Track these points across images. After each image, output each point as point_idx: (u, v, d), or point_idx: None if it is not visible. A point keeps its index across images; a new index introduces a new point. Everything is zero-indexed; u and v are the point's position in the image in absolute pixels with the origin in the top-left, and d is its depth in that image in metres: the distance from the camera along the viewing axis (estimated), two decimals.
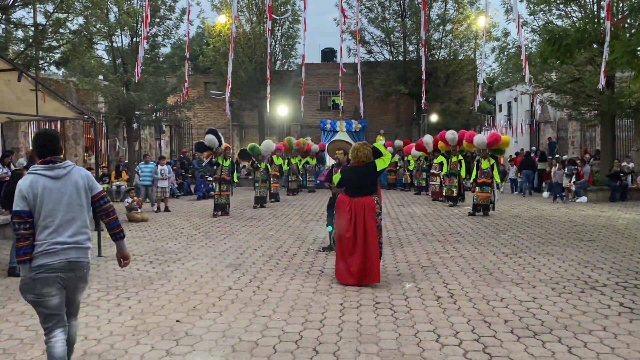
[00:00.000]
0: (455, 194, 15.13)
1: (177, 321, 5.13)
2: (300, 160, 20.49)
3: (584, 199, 16.30)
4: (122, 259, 3.85)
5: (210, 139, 13.16)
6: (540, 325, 4.96)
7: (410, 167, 20.67)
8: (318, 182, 22.09)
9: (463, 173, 15.00)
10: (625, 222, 11.87)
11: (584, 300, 5.75)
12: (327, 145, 12.21)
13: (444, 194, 15.65)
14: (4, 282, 6.74)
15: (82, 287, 3.67)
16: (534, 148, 24.68)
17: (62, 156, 3.69)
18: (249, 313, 5.37)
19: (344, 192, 6.74)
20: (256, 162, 15.58)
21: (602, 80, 11.93)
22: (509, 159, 20.86)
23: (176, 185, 18.92)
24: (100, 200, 3.69)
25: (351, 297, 5.92)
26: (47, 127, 18.27)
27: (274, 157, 17.06)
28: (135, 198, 12.79)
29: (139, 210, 12.72)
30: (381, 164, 6.65)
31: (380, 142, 21.95)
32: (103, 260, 8.00)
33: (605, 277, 6.72)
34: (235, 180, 14.53)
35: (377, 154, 6.71)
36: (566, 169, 17.04)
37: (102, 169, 15.30)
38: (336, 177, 6.88)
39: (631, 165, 17.74)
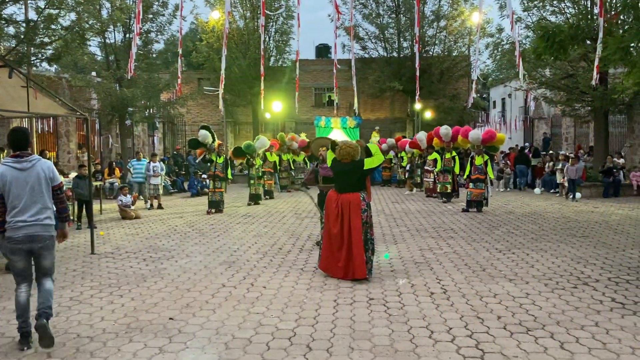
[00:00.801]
0: (449, 191, 15.17)
1: (170, 318, 5.12)
2: (291, 157, 20.46)
3: (578, 195, 16.36)
4: (62, 236, 4.74)
5: (204, 134, 13.12)
6: (533, 321, 4.98)
7: (404, 164, 20.70)
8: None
9: (457, 169, 15.05)
10: (618, 217, 11.94)
11: (576, 295, 5.77)
12: (310, 142, 12.14)
13: (438, 190, 15.68)
14: None
15: (46, 255, 4.49)
16: (527, 144, 24.77)
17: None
18: (243, 310, 5.36)
19: (334, 188, 6.79)
20: (251, 159, 15.55)
21: (596, 77, 11.97)
22: (502, 155, 20.90)
23: (169, 182, 18.85)
24: (57, 190, 4.57)
25: (345, 293, 5.93)
26: (39, 123, 18.16)
27: (267, 154, 17.01)
28: (128, 196, 12.74)
29: (132, 207, 12.68)
30: (369, 163, 6.68)
31: (374, 139, 22.03)
32: (96, 258, 7.97)
33: (597, 273, 6.76)
34: (230, 177, 14.49)
35: (368, 153, 6.78)
36: (560, 165, 17.09)
37: (95, 165, 15.22)
38: (329, 160, 6.98)
39: (621, 161, 17.82)
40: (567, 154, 19.10)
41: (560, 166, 17.13)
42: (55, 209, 4.62)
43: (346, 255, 6.41)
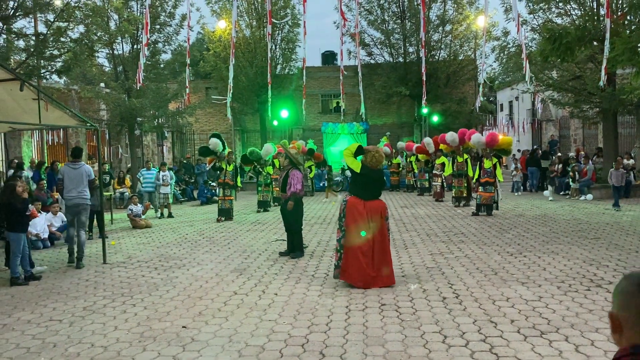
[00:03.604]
0: (464, 195, 15.06)
1: (183, 327, 5.14)
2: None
3: (589, 196, 16.26)
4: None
5: (214, 142, 13.20)
6: (547, 324, 4.95)
7: (415, 170, 20.62)
8: (321, 185, 22.07)
9: (470, 172, 14.91)
10: (629, 219, 11.84)
11: (590, 298, 5.73)
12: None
13: (453, 194, 15.53)
14: (9, 291, 6.76)
15: (83, 212, 8.41)
16: (536, 146, 24.65)
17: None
18: (255, 317, 5.37)
19: (354, 195, 6.61)
20: (258, 166, 15.58)
21: (603, 78, 11.92)
22: (511, 158, 20.82)
23: (179, 191, 18.92)
24: (91, 182, 8.54)
25: (357, 299, 5.92)
26: (49, 135, 18.34)
27: (276, 161, 17.03)
28: (139, 205, 12.83)
29: (142, 216, 12.75)
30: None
31: (382, 144, 22.01)
32: (108, 267, 8.02)
33: (611, 275, 6.70)
34: (239, 185, 14.53)
35: None
36: (573, 166, 17.00)
37: (103, 166, 15.36)
38: (356, 165, 6.68)
39: (631, 162, 17.68)
40: (581, 155, 18.96)
41: (573, 167, 17.04)
42: (89, 189, 8.54)
43: (377, 264, 6.34)
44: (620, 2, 14.99)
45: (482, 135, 14.42)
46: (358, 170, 6.63)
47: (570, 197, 16.97)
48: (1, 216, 7.36)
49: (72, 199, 8.25)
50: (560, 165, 18.81)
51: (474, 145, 14.55)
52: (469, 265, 7.46)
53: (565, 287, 6.21)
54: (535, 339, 4.59)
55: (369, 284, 6.34)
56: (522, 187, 19.36)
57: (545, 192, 18.01)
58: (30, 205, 8.12)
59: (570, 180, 17.16)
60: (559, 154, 21.34)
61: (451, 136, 15.14)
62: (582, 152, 20.64)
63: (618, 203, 13.67)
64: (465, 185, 15.00)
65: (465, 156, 14.94)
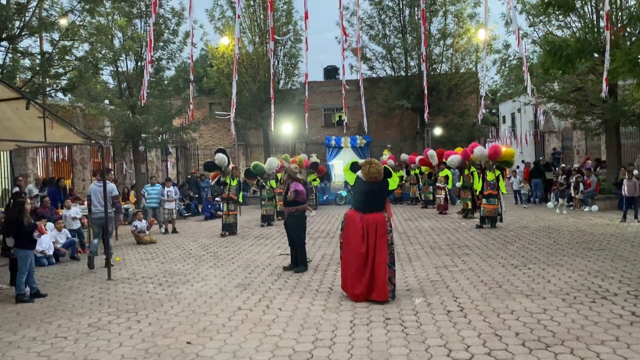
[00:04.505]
0: (470, 207, 15.03)
1: (188, 343, 5.14)
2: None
3: (595, 207, 16.20)
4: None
5: (220, 157, 13.27)
6: (552, 337, 4.94)
7: (419, 183, 20.61)
8: (325, 198, 22.11)
9: (476, 186, 14.87)
10: (634, 230, 11.80)
11: (595, 310, 5.72)
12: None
13: (462, 207, 15.51)
14: (14, 309, 6.78)
15: (108, 225, 9.38)
16: (541, 158, 24.66)
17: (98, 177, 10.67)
18: (259, 333, 5.37)
19: (353, 207, 6.74)
20: (261, 180, 15.62)
21: (605, 89, 11.96)
22: (512, 170, 20.80)
23: (183, 206, 18.95)
24: (114, 198, 9.99)
25: (361, 313, 5.92)
26: (54, 152, 18.46)
27: (279, 175, 17.08)
28: (144, 221, 12.86)
29: (147, 232, 12.77)
30: (392, 184, 6.73)
31: (385, 157, 22.07)
32: (113, 284, 8.03)
33: (616, 287, 6.68)
34: (240, 200, 14.55)
35: (388, 173, 6.77)
36: (574, 179, 16.96)
37: (114, 180, 15.50)
38: (351, 178, 6.84)
39: (635, 172, 17.63)
40: (581, 168, 18.91)
41: (574, 180, 17.00)
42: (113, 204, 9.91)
43: (368, 277, 6.35)
44: (620, 14, 15.09)
45: (485, 147, 14.47)
46: (352, 183, 6.84)
47: (574, 208, 16.92)
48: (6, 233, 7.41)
49: (97, 212, 9.56)
50: (564, 177, 18.78)
51: (477, 158, 14.56)
52: (473, 278, 7.45)
53: (570, 299, 6.19)
54: (540, 352, 4.58)
55: (355, 298, 6.43)
56: (526, 199, 19.29)
57: (549, 204, 17.96)
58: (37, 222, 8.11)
59: (573, 191, 17.11)
60: (563, 165, 21.33)
61: (451, 159, 15.29)
62: (590, 161, 20.62)
63: (626, 215, 13.53)
64: (470, 197, 14.98)
65: (472, 169, 14.89)
